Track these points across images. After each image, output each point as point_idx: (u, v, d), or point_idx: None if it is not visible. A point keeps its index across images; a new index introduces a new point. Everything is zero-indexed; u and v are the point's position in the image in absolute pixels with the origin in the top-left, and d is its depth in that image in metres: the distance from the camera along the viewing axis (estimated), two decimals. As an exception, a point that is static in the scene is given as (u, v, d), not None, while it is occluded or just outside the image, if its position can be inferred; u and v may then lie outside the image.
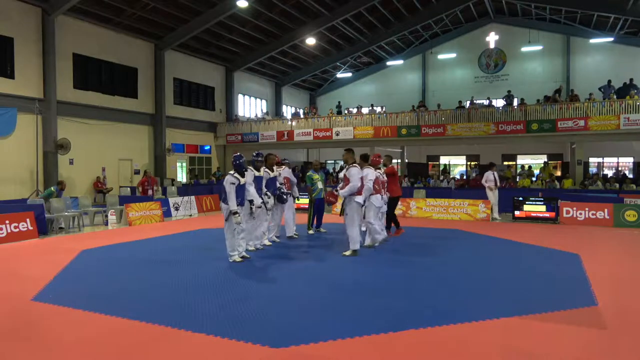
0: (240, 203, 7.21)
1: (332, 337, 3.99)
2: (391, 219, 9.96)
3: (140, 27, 19.86)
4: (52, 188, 12.26)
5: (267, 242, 8.79)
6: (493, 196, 13.24)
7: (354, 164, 7.82)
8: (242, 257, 7.28)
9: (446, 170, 24.60)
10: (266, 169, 8.49)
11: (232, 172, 7.18)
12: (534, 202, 12.69)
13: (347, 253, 7.61)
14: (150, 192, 15.22)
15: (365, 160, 8.07)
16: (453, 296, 5.37)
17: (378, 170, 8.74)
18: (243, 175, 7.28)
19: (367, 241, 8.40)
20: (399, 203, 14.04)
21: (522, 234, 10.39)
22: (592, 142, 20.62)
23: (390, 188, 9.44)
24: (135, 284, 5.93)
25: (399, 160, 26.35)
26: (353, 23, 23.78)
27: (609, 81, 19.92)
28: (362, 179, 7.59)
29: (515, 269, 6.87)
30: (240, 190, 7.19)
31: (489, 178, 13.21)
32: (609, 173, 22.34)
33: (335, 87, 31.70)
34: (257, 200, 7.62)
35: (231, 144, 25.06)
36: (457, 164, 28.10)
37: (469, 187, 18.71)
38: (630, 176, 19.43)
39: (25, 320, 4.63)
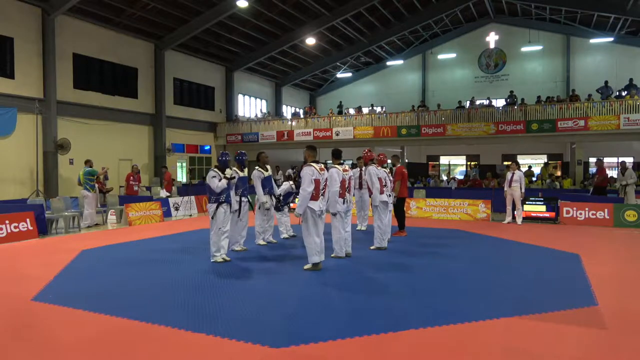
0: (226, 200, 7.22)
1: (332, 337, 3.99)
2: (398, 218, 10.00)
3: (140, 27, 19.85)
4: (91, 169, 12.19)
5: (261, 242, 8.84)
6: (509, 198, 12.30)
7: (310, 164, 6.65)
8: (223, 258, 7.27)
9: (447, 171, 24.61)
10: (259, 169, 8.48)
11: (214, 168, 7.29)
12: (534, 202, 12.68)
13: (306, 267, 6.65)
14: (135, 188, 15.02)
15: (337, 158, 7.55)
16: (453, 296, 5.37)
17: (384, 169, 8.70)
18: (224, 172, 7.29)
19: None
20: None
21: (522, 234, 10.39)
22: (592, 142, 20.62)
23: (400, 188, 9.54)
24: (135, 284, 5.93)
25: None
26: (353, 23, 23.78)
27: (606, 82, 19.95)
28: (316, 181, 6.53)
29: (515, 269, 6.87)
30: (226, 187, 7.19)
31: (507, 179, 12.30)
32: (609, 173, 22.32)
33: (335, 87, 31.70)
34: (235, 206, 7.68)
35: (231, 144, 25.06)
36: (457, 164, 28.11)
37: (470, 187, 18.73)
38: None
39: (25, 320, 4.63)
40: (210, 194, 7.21)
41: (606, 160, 23.49)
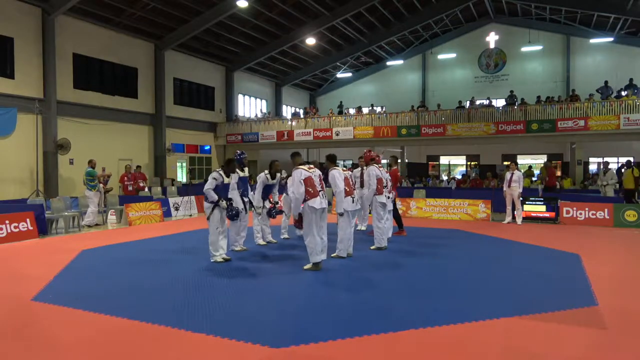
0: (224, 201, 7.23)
1: (332, 337, 3.99)
2: (396, 218, 9.99)
3: (140, 27, 19.86)
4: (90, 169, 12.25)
5: (261, 242, 8.83)
6: (509, 198, 12.28)
7: (298, 167, 6.68)
8: (224, 258, 7.27)
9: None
10: (267, 174, 8.49)
11: (218, 169, 7.27)
12: (534, 202, 12.67)
13: (307, 267, 6.64)
14: (130, 188, 14.93)
15: (332, 162, 7.48)
16: (453, 296, 5.37)
17: (381, 168, 8.68)
18: (228, 175, 7.29)
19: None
20: (399, 203, 14.21)
21: (522, 234, 10.39)
22: (592, 142, 20.62)
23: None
24: (135, 284, 5.92)
25: (399, 160, 26.32)
26: (353, 23, 23.78)
27: (606, 82, 19.96)
28: (308, 179, 6.50)
29: (516, 269, 6.87)
30: (224, 189, 7.20)
31: (507, 179, 12.27)
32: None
33: (335, 87, 31.71)
34: (240, 205, 7.60)
35: (231, 144, 25.08)
36: (457, 164, 28.11)
37: (471, 187, 18.74)
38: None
39: (25, 320, 4.63)
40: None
41: (606, 160, 23.62)
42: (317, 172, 6.78)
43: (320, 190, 6.63)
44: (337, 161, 7.69)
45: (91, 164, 12.33)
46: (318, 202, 6.52)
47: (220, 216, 7.20)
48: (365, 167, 9.02)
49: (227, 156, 25.63)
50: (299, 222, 6.71)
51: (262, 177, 8.44)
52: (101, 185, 12.62)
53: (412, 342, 3.97)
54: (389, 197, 8.52)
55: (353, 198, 7.34)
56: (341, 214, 7.11)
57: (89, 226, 11.76)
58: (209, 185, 7.05)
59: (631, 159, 15.20)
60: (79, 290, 5.62)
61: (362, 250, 8.12)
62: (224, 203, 7.15)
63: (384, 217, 8.34)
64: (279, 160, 8.95)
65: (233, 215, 7.34)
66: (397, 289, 5.68)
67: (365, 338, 4.00)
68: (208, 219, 7.17)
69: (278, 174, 8.69)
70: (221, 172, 7.19)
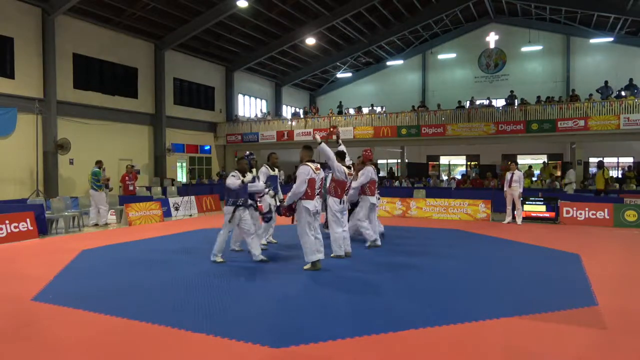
0: (243, 204, 7.23)
1: (332, 337, 3.99)
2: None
3: (140, 27, 19.85)
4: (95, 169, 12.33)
5: (263, 242, 8.81)
6: (509, 198, 12.34)
7: (306, 163, 6.64)
8: (262, 260, 7.30)
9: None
10: (268, 167, 8.49)
11: (233, 171, 7.30)
12: (534, 202, 12.68)
13: (306, 267, 6.67)
14: (131, 187, 14.94)
15: (342, 159, 7.67)
16: (453, 296, 5.37)
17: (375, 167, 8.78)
18: (244, 175, 7.32)
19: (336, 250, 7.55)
20: (400, 203, 14.27)
21: (522, 234, 10.39)
22: (592, 142, 20.62)
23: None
24: (135, 284, 5.92)
25: (399, 160, 26.35)
26: (353, 23, 23.77)
27: (606, 82, 19.95)
28: (311, 180, 6.55)
29: (515, 269, 6.87)
30: (243, 189, 7.21)
31: (507, 179, 12.29)
32: (611, 173, 22.34)
33: (335, 87, 31.69)
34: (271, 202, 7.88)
35: (231, 144, 25.08)
36: (457, 164, 28.11)
37: (471, 187, 18.75)
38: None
39: (25, 320, 4.63)
40: (228, 196, 7.21)
41: (606, 160, 23.61)
42: (321, 175, 6.84)
43: (317, 194, 6.69)
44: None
45: (98, 164, 12.43)
46: (312, 205, 6.61)
47: (241, 218, 7.21)
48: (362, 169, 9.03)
49: (227, 156, 25.68)
50: (288, 211, 6.82)
51: (264, 170, 8.48)
52: (104, 186, 12.64)
53: (412, 342, 3.97)
54: (379, 198, 8.84)
55: (341, 200, 7.45)
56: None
57: (98, 225, 11.89)
58: (232, 180, 7.05)
59: (607, 159, 15.95)
60: (79, 290, 5.62)
61: (360, 250, 8.14)
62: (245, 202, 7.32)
63: (374, 216, 8.65)
64: (278, 155, 8.96)
65: (268, 217, 8.10)
66: (396, 289, 5.68)
67: (365, 338, 4.00)
68: (229, 221, 7.15)
69: (276, 169, 8.69)
70: (237, 172, 7.22)
